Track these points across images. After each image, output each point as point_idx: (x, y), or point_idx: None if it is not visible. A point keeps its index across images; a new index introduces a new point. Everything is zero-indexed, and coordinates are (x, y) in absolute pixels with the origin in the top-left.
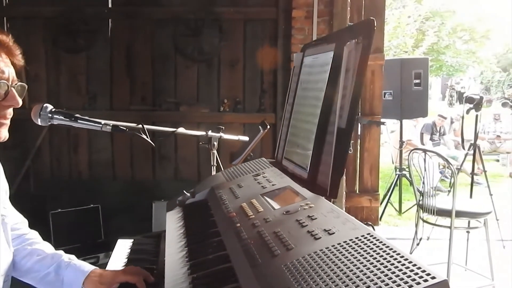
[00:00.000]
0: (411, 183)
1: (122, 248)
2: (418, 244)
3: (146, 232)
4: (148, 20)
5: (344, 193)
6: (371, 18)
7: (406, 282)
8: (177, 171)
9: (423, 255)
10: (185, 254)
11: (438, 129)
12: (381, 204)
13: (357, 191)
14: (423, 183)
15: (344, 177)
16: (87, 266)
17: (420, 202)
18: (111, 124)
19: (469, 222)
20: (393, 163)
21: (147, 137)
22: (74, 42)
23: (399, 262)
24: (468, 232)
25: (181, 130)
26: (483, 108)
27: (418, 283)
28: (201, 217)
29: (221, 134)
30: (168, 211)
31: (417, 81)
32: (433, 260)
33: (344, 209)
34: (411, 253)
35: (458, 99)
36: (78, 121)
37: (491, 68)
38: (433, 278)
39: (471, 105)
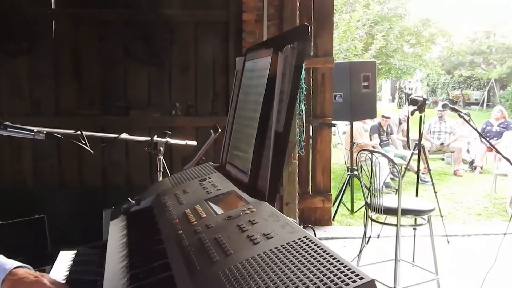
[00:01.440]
0: (360, 184)
1: (64, 260)
2: (367, 243)
3: (96, 242)
4: (94, 22)
5: (297, 194)
6: (306, 24)
7: (336, 284)
8: (129, 177)
9: (373, 253)
10: (126, 264)
11: (385, 129)
12: (333, 204)
13: (310, 192)
14: (370, 183)
15: (297, 178)
16: (9, 264)
17: (369, 202)
18: (44, 132)
19: (415, 219)
20: (345, 164)
21: (86, 145)
22: (15, 44)
23: (331, 264)
24: (414, 229)
25: (124, 136)
26: (429, 109)
27: (347, 284)
28: (145, 225)
29: (167, 139)
30: (112, 220)
31: (366, 83)
32: (382, 257)
33: (297, 210)
34: (360, 251)
35: (406, 100)
36: (8, 129)
37: (436, 71)
38: (361, 278)
39: (415, 107)
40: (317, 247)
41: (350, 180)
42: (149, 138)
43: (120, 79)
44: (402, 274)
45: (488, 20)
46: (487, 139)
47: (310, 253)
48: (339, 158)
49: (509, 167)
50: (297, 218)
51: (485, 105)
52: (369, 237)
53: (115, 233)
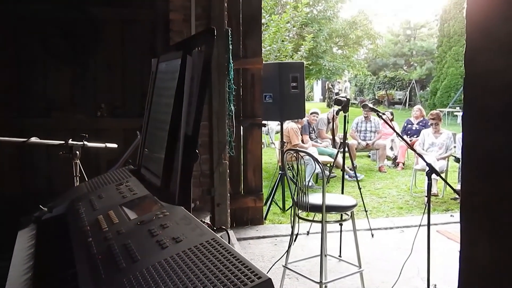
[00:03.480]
0: (288, 182)
1: None
2: (294, 240)
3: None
4: (8, 18)
5: (229, 195)
6: (212, 27)
7: (235, 284)
8: (51, 183)
9: (302, 249)
10: (30, 277)
11: (313, 127)
12: (266, 203)
13: (242, 193)
14: (297, 181)
15: (228, 179)
16: None
17: (296, 200)
18: None
19: (341, 215)
20: (278, 163)
21: None
22: None
23: (233, 264)
24: (340, 224)
25: (34, 139)
26: (358, 109)
27: (246, 284)
28: (56, 234)
29: (84, 142)
30: (20, 230)
31: (294, 84)
32: (311, 253)
33: (229, 211)
34: (288, 248)
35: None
36: None
37: (363, 72)
38: (259, 278)
39: (340, 107)
40: (223, 248)
41: (281, 179)
42: (62, 142)
43: (40, 79)
44: (328, 269)
45: (409, 25)
46: (407, 136)
47: (215, 255)
48: (272, 157)
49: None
50: (229, 219)
51: (407, 104)
52: (297, 235)
53: (22, 244)
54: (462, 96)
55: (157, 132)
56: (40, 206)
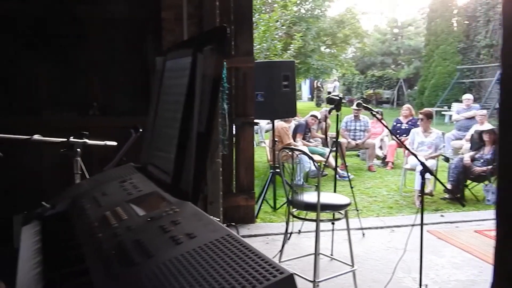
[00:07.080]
0: (283, 181)
1: None
2: (288, 239)
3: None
4: None
5: (221, 193)
6: (224, 25)
7: (257, 279)
8: (42, 181)
9: (294, 248)
10: (41, 271)
11: (310, 128)
12: (257, 202)
13: (234, 191)
14: (292, 180)
15: (221, 177)
16: None
17: (290, 199)
18: None
19: (333, 214)
20: (268, 161)
21: None
22: None
23: (252, 260)
24: (333, 223)
25: (37, 137)
26: (346, 108)
27: (268, 279)
28: (61, 230)
29: (85, 140)
30: (24, 226)
31: (286, 83)
32: (303, 252)
33: (221, 209)
34: (282, 247)
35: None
36: None
37: (351, 70)
38: (281, 273)
39: (332, 106)
40: (239, 244)
41: (272, 178)
42: (65, 139)
43: (30, 78)
44: (321, 267)
45: (396, 23)
46: (397, 136)
47: (232, 251)
48: (262, 156)
49: (417, 162)
50: (221, 217)
51: (395, 103)
52: (291, 233)
53: (28, 239)
54: (448, 95)
55: (166, 129)
56: (43, 202)
